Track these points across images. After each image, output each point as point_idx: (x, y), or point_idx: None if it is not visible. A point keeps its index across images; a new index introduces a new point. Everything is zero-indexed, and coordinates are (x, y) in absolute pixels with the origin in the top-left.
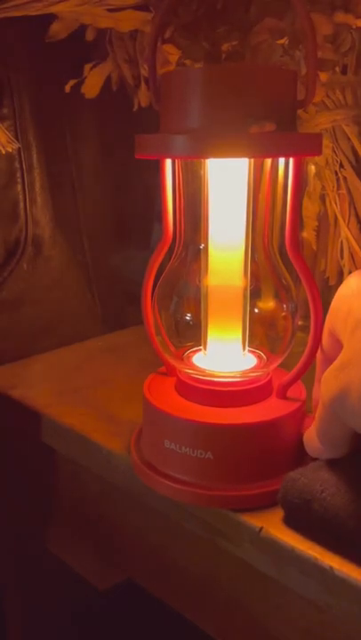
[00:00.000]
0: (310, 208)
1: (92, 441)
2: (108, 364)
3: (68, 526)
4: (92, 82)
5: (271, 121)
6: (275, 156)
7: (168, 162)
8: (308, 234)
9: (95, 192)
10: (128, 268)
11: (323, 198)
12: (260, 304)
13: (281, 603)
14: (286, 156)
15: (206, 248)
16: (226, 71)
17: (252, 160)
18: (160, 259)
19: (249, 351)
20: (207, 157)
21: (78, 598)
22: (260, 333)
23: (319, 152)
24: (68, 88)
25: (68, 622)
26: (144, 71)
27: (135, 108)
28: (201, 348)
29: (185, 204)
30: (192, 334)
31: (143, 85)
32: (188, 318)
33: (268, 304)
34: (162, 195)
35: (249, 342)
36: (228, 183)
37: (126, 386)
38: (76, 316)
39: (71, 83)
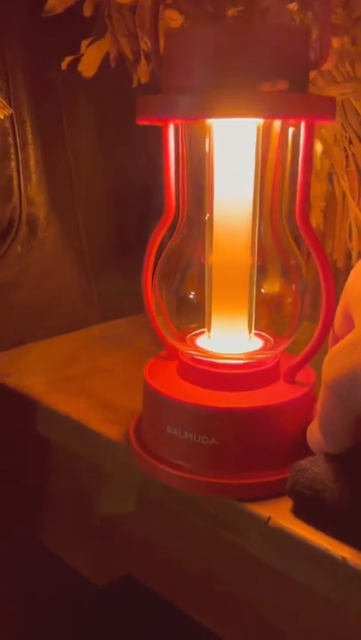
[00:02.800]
0: (317, 188)
1: (89, 429)
2: (106, 352)
3: (63, 520)
4: (90, 59)
5: (283, 79)
6: (286, 118)
7: (171, 129)
8: (315, 215)
9: (92, 177)
10: (126, 257)
11: (330, 178)
12: (268, 283)
13: (288, 598)
14: (298, 118)
15: (211, 222)
16: (236, 28)
17: (261, 126)
18: (161, 235)
19: (255, 334)
20: (215, 117)
21: (75, 595)
22: (267, 314)
23: (333, 116)
24: (64, 65)
25: (64, 620)
26: (144, 45)
27: (135, 84)
28: (205, 330)
29: (188, 174)
30: (195, 315)
31: (143, 61)
32: (191, 298)
33: (275, 283)
34: (164, 165)
35: (255, 324)
36: (234, 151)
37: (124, 374)
38: (72, 304)
39: (68, 59)
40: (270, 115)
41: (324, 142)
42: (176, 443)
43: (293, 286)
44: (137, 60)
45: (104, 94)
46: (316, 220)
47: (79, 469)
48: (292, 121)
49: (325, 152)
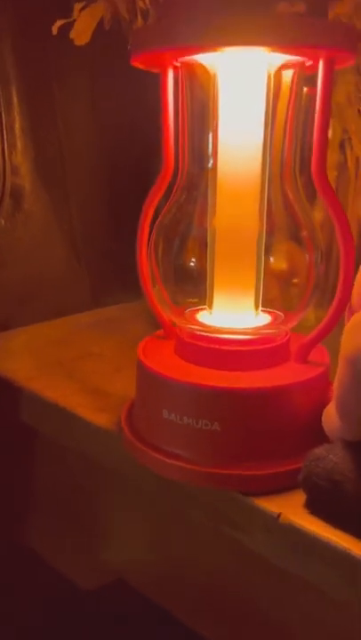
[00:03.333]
0: (329, 156)
1: (78, 416)
2: (97, 338)
3: (49, 519)
4: (83, 26)
5: (301, 1)
6: (303, 46)
7: (170, 75)
8: None
9: (85, 148)
10: (121, 238)
11: (342, 146)
12: (278, 251)
13: (299, 603)
14: (317, 48)
15: (214, 180)
16: None
17: (273, 73)
18: (159, 196)
19: (263, 310)
20: (223, 45)
21: (60, 601)
22: (277, 287)
23: (354, 49)
24: (55, 30)
25: (49, 627)
26: (141, 2)
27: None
28: (205, 307)
29: (189, 127)
30: (195, 288)
31: (140, 19)
32: (190, 267)
33: (287, 251)
34: (162, 116)
35: (263, 299)
36: (241, 101)
37: (117, 359)
38: (61, 287)
39: (58, 24)
40: (286, 42)
41: (336, 105)
42: (173, 429)
43: (307, 255)
44: (133, 20)
45: (98, 59)
46: None
47: (67, 462)
48: (309, 55)
49: (338, 116)
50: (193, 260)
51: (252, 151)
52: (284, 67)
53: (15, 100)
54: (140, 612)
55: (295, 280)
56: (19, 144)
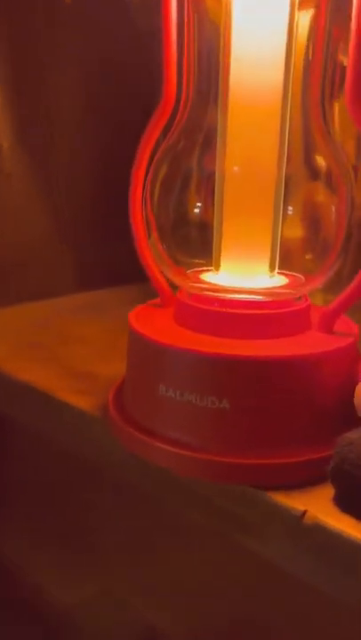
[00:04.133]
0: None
1: (57, 399)
2: (84, 321)
3: (25, 522)
4: None
5: None
6: None
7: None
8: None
9: (75, 118)
10: (113, 214)
11: None
12: (299, 200)
13: (328, 624)
14: None
15: (225, 113)
16: None
17: None
18: (158, 132)
19: (279, 273)
20: None
21: (37, 615)
22: (298, 244)
23: None
24: None
25: None
26: None
27: None
28: (211, 268)
29: (196, 42)
30: (199, 245)
31: None
32: (194, 218)
33: (311, 197)
34: (163, 34)
35: (280, 259)
36: (259, 28)
37: (104, 343)
38: (42, 265)
39: None
40: None
41: None
42: (172, 408)
43: (333, 206)
44: None
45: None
46: (348, 150)
47: (45, 456)
48: None
49: None
50: (197, 209)
51: (272, 71)
52: None
53: None
54: (127, 628)
55: (320, 233)
56: None
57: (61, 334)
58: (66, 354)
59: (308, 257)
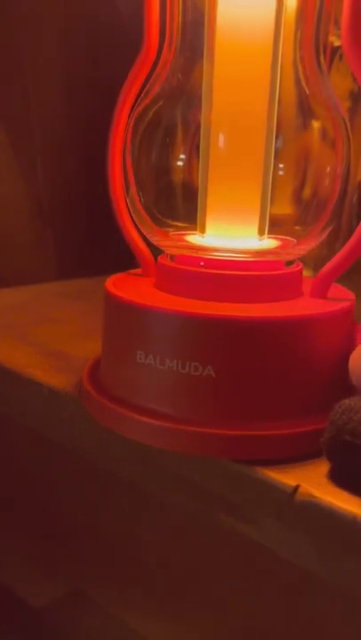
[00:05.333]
0: (340, 85)
1: (26, 377)
2: (61, 305)
3: None
4: None
5: None
6: None
7: None
8: None
9: (54, 92)
10: (95, 199)
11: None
12: (290, 155)
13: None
14: None
15: (211, 59)
16: None
17: None
18: (139, 83)
19: (269, 237)
20: None
21: (7, 619)
22: (288, 204)
23: None
24: None
25: None
26: None
27: None
28: (195, 232)
29: None
30: (182, 205)
31: None
32: (177, 175)
33: (304, 153)
34: None
35: (270, 223)
36: None
37: (81, 324)
38: (20, 251)
39: None
40: None
41: None
42: (151, 377)
43: (328, 164)
44: None
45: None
46: None
47: (14, 443)
48: None
49: None
50: (180, 161)
51: (262, 12)
52: None
53: None
54: (100, 628)
55: (312, 192)
56: None
57: (36, 317)
58: (40, 334)
59: (299, 217)
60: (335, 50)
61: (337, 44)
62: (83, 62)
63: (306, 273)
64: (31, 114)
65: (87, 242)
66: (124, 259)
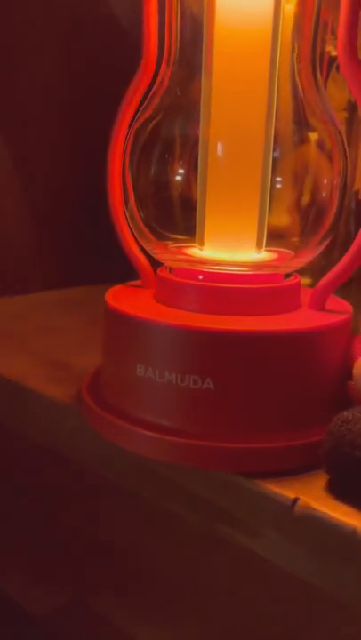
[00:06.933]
0: (337, 96)
1: (27, 388)
2: (60, 314)
3: None
4: None
5: None
6: None
7: None
8: None
9: (53, 104)
10: (95, 214)
11: None
12: (288, 169)
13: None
14: None
15: (208, 74)
16: None
17: None
18: (139, 97)
19: (267, 250)
20: None
21: (8, 628)
22: (287, 217)
23: None
24: None
25: None
26: None
27: None
28: (194, 244)
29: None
30: (181, 218)
31: None
32: (176, 189)
33: (301, 166)
34: None
35: (268, 235)
36: None
37: (81, 334)
38: (14, 258)
39: None
40: None
41: None
42: (150, 389)
43: (326, 177)
44: None
45: None
46: None
47: (14, 453)
48: None
49: None
50: (179, 178)
51: (259, 29)
52: None
53: None
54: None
55: (310, 204)
56: None
57: (36, 326)
58: (39, 344)
59: (297, 229)
60: (332, 60)
61: (334, 53)
62: (82, 74)
63: (304, 281)
64: (30, 126)
65: (87, 251)
66: (123, 267)
